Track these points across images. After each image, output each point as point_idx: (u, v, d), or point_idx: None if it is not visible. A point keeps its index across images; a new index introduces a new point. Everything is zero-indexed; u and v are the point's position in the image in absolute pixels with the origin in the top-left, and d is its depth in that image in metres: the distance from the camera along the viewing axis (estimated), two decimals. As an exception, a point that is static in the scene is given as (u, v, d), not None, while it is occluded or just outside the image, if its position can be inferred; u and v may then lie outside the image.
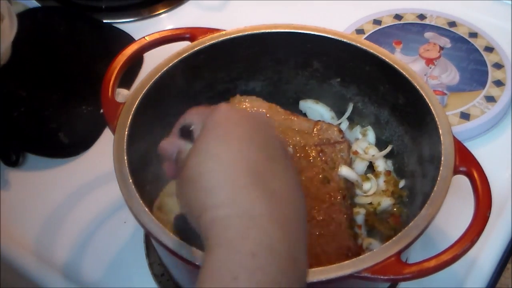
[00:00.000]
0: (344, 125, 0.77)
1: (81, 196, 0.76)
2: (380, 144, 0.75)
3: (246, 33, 0.69)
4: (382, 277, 0.50)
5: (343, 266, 0.51)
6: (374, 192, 0.70)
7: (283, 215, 0.40)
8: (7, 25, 0.81)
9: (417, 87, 0.64)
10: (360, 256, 0.52)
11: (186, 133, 0.48)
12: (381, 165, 0.72)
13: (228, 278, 0.36)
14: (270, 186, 0.40)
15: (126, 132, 0.59)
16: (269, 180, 0.41)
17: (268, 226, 0.38)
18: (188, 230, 0.45)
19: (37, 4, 1.01)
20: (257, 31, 0.69)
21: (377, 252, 0.52)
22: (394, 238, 0.53)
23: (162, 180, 0.70)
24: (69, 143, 0.81)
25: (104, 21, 0.98)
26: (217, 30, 0.69)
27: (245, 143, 0.42)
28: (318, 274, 0.50)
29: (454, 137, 0.59)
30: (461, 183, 0.58)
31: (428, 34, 0.93)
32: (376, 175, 0.72)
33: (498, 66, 0.88)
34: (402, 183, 0.71)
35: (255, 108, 0.70)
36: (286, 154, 0.46)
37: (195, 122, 0.47)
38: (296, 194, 0.43)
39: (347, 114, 0.76)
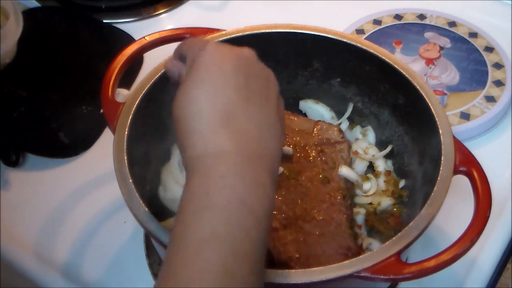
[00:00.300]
0: (344, 125, 0.77)
1: (81, 196, 0.76)
2: (380, 144, 0.75)
3: (246, 33, 0.69)
4: (382, 277, 0.50)
5: (343, 266, 0.51)
6: (374, 192, 0.70)
7: (250, 150, 0.44)
8: (13, 24, 0.81)
9: (417, 87, 0.64)
10: (360, 256, 0.52)
11: (184, 60, 0.51)
12: (381, 165, 0.72)
13: (201, 195, 0.42)
14: (242, 126, 0.45)
15: (126, 132, 0.59)
16: (241, 121, 0.45)
17: (235, 158, 0.43)
18: None
19: (37, 4, 1.01)
20: (257, 31, 0.69)
21: (377, 252, 0.52)
22: (394, 238, 0.53)
23: (162, 180, 0.70)
24: (69, 143, 0.81)
25: (104, 21, 0.98)
26: (217, 30, 0.69)
27: (221, 86, 0.46)
28: (318, 274, 0.50)
29: (454, 137, 0.59)
30: (462, 183, 0.58)
31: (428, 34, 0.94)
32: (376, 175, 0.72)
33: (498, 66, 0.88)
34: (402, 183, 0.71)
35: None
36: (267, 90, 0.49)
37: (188, 55, 0.50)
38: (269, 133, 0.47)
39: (347, 114, 0.76)
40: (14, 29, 0.81)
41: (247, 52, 0.49)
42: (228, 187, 0.42)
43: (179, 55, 0.52)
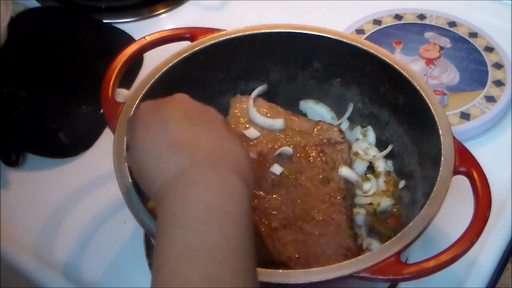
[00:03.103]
0: (345, 125, 0.77)
1: (81, 196, 0.76)
2: (380, 144, 0.75)
3: (246, 33, 0.69)
4: (381, 277, 0.50)
5: (342, 266, 0.51)
6: (374, 193, 0.70)
7: (207, 157, 0.46)
8: (3, 8, 0.80)
9: (417, 87, 0.64)
10: (359, 256, 0.52)
11: None
12: (381, 165, 0.72)
13: (169, 215, 0.42)
14: (192, 144, 0.46)
15: (126, 132, 0.59)
16: (190, 141, 0.46)
17: (193, 169, 0.45)
18: None
19: (37, 4, 1.01)
20: (257, 31, 0.69)
21: (376, 252, 0.52)
22: (393, 239, 0.53)
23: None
24: (69, 143, 0.81)
25: (104, 21, 0.98)
26: (217, 30, 0.69)
27: (161, 124, 0.48)
28: (317, 274, 0.50)
29: (454, 138, 0.59)
30: (462, 183, 0.58)
31: (428, 34, 0.94)
32: (376, 175, 0.72)
33: (498, 66, 0.88)
34: (402, 184, 0.71)
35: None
36: (209, 117, 0.51)
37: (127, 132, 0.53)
38: (222, 141, 0.48)
39: (347, 114, 0.76)
40: (3, 13, 0.81)
41: (179, 95, 0.51)
42: (191, 198, 0.43)
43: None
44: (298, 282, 0.50)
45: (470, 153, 0.59)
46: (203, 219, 0.41)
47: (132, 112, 0.52)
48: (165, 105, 0.50)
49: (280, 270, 0.51)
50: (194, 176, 0.44)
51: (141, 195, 0.55)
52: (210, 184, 0.44)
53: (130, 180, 0.56)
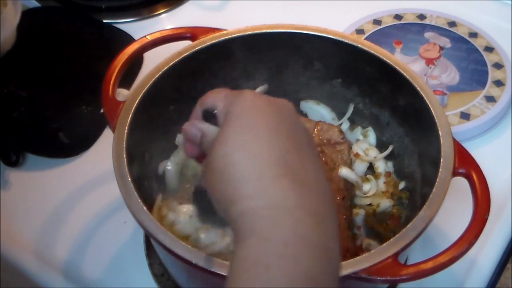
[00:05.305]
0: (345, 126, 0.77)
1: (81, 196, 0.76)
2: (380, 145, 0.75)
3: (247, 33, 0.69)
4: (379, 278, 0.50)
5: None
6: (374, 193, 0.70)
7: (315, 206, 0.39)
8: (11, 9, 0.80)
9: (418, 88, 0.64)
10: (358, 257, 0.52)
11: (209, 116, 0.47)
12: (381, 166, 0.72)
13: (261, 268, 0.35)
14: (300, 176, 0.39)
15: (125, 131, 0.59)
16: (298, 171, 0.40)
17: (300, 215, 0.37)
18: (207, 203, 0.44)
19: (37, 4, 1.01)
20: (258, 31, 0.69)
21: (374, 253, 0.52)
22: (391, 240, 0.53)
23: (161, 180, 0.70)
24: (69, 143, 0.81)
25: (104, 21, 0.98)
26: (219, 29, 0.69)
27: (273, 132, 0.41)
28: (316, 274, 0.50)
29: (454, 139, 0.59)
30: (463, 184, 0.58)
31: (428, 34, 0.93)
32: (376, 176, 0.72)
33: (498, 66, 0.88)
34: (402, 185, 0.71)
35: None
36: (311, 142, 0.45)
37: (218, 106, 0.45)
38: (324, 183, 0.41)
39: (348, 115, 0.76)
40: (13, 15, 0.81)
41: (288, 103, 0.45)
42: (291, 259, 0.36)
43: (200, 113, 0.48)
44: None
45: (469, 155, 0.59)
46: (300, 281, 0.35)
47: (239, 93, 0.44)
48: (277, 109, 0.43)
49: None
50: (300, 229, 0.37)
51: (141, 194, 0.55)
52: (314, 249, 0.37)
53: (129, 179, 0.55)
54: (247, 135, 0.40)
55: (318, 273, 0.36)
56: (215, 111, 0.46)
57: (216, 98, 0.46)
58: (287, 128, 0.42)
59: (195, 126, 0.47)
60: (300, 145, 0.42)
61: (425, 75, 0.87)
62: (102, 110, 0.63)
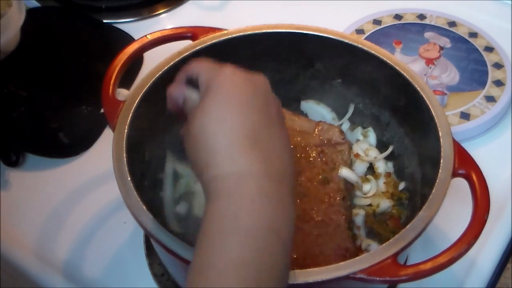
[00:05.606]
0: (345, 126, 0.77)
1: (81, 196, 0.76)
2: (380, 145, 0.75)
3: (248, 33, 0.69)
4: (378, 278, 0.50)
5: (339, 267, 0.51)
6: (374, 194, 0.70)
7: (276, 171, 0.44)
8: (16, 10, 0.80)
9: (418, 88, 0.64)
10: (357, 258, 0.52)
11: (191, 82, 0.50)
12: (382, 166, 0.72)
13: (230, 217, 0.41)
14: (266, 149, 0.45)
15: (125, 131, 0.59)
16: (265, 143, 0.45)
17: (263, 180, 0.43)
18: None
19: (37, 4, 1.01)
20: (259, 31, 0.69)
21: (373, 254, 0.52)
22: (391, 240, 0.53)
23: (161, 180, 0.70)
24: (69, 143, 0.81)
25: (104, 21, 0.98)
26: (219, 29, 0.69)
27: (246, 108, 0.45)
28: (314, 274, 0.50)
29: (454, 140, 0.59)
30: (463, 184, 0.58)
31: (428, 34, 0.93)
32: (376, 176, 0.72)
33: (498, 66, 0.88)
34: (402, 185, 0.71)
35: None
36: (280, 117, 0.49)
37: (201, 77, 0.49)
38: (287, 154, 0.47)
39: (348, 115, 0.76)
40: (17, 16, 0.81)
41: (263, 79, 0.49)
42: (257, 211, 0.41)
43: (185, 78, 0.51)
44: (295, 282, 0.50)
45: (469, 155, 0.58)
46: (263, 239, 0.41)
47: (220, 67, 0.48)
48: (252, 85, 0.47)
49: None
50: (263, 188, 0.43)
51: (141, 194, 0.55)
52: (274, 204, 0.43)
53: (129, 179, 0.55)
54: (223, 110, 0.45)
55: (279, 225, 0.42)
56: (198, 80, 0.50)
57: (199, 68, 0.50)
58: (261, 103, 0.47)
59: (179, 90, 0.51)
60: (270, 120, 0.46)
61: (425, 75, 0.87)
62: (102, 110, 0.63)
